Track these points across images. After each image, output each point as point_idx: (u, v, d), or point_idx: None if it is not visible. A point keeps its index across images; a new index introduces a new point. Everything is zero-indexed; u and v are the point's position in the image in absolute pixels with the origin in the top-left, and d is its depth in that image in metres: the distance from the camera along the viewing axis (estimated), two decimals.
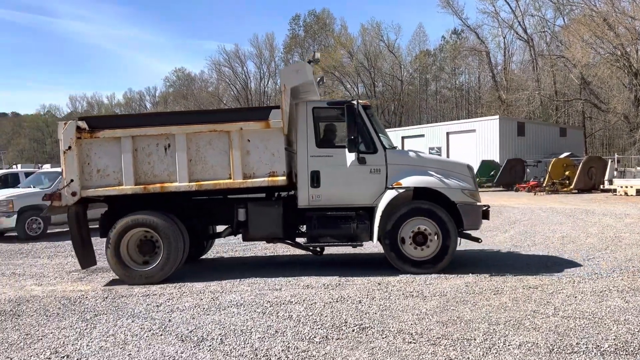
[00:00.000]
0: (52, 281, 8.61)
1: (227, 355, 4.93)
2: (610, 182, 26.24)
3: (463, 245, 10.82)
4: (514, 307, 6.21)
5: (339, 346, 5.07)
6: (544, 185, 27.54)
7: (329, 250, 10.42)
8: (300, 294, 7.11)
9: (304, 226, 8.59)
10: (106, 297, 7.26)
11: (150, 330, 5.71)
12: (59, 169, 11.78)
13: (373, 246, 9.70)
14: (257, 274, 8.50)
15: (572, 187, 26.90)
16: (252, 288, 7.54)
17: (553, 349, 4.83)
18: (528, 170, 32.29)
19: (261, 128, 8.11)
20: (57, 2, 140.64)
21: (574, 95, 48.67)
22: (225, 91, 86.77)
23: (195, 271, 9.00)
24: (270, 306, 6.53)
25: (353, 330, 5.51)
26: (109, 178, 8.16)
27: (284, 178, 8.15)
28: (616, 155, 30.29)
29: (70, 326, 5.98)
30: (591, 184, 27.18)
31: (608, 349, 4.82)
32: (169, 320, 6.09)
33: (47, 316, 6.45)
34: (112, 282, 8.27)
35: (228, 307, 6.57)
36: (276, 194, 8.90)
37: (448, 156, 40.08)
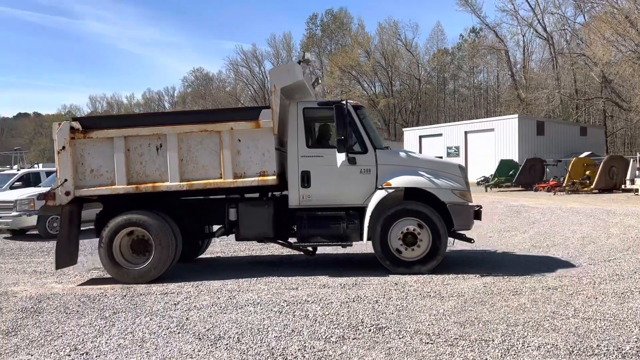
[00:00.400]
0: (72, 279, 8.72)
1: (243, 353, 4.95)
2: (632, 182, 25.76)
3: (480, 246, 10.73)
4: (533, 308, 6.14)
5: (355, 346, 5.06)
6: (564, 185, 27.16)
7: (346, 250, 10.41)
8: (316, 293, 7.11)
9: (296, 226, 8.58)
10: (125, 295, 7.33)
11: (168, 328, 5.75)
12: None
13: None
14: (273, 272, 8.53)
15: (592, 187, 26.49)
16: (268, 287, 7.56)
17: (573, 351, 4.76)
18: (547, 169, 31.90)
19: (251, 128, 8.15)
20: (77, 3, 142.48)
21: (594, 93, 47.96)
22: (242, 91, 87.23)
23: (212, 269, 9.05)
24: (286, 305, 6.54)
25: (370, 330, 5.49)
26: (102, 178, 8.26)
27: (274, 178, 8.17)
28: (638, 155, 29.71)
29: (90, 323, 6.05)
30: (612, 183, 26.74)
31: (629, 351, 4.74)
32: (187, 318, 6.13)
33: (67, 313, 6.54)
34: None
35: (245, 305, 6.60)
36: (269, 194, 8.91)
37: (466, 155, 39.86)
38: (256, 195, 8.88)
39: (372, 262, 8.61)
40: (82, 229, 9.03)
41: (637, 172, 26.46)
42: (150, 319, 6.13)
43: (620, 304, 6.24)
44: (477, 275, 7.94)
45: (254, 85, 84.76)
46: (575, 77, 48.72)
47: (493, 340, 5.09)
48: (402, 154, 8.73)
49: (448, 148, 41.78)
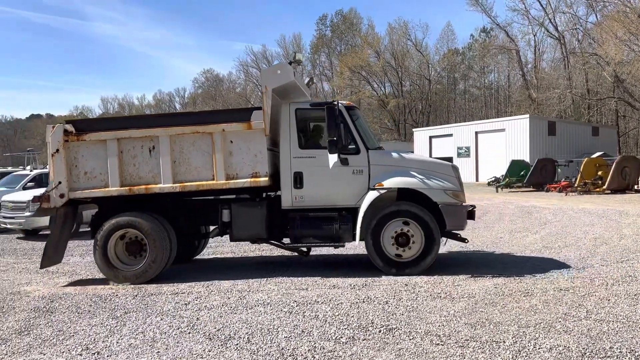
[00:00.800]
0: (84, 279, 8.78)
1: (253, 354, 4.96)
2: None
3: (490, 246, 10.67)
4: (545, 310, 6.09)
5: (365, 347, 5.05)
6: (576, 185, 26.96)
7: (356, 250, 10.41)
8: (326, 293, 7.11)
9: (289, 227, 8.56)
10: (136, 295, 7.37)
11: (178, 328, 5.77)
12: None
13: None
14: (283, 273, 8.53)
15: (604, 187, 26.26)
16: (278, 287, 7.57)
17: (585, 353, 4.72)
18: (559, 170, 31.67)
19: (243, 129, 8.16)
20: (88, 5, 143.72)
21: (607, 93, 47.58)
22: (252, 92, 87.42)
23: (222, 269, 9.07)
24: (296, 306, 6.54)
25: (380, 331, 5.47)
26: (96, 180, 8.31)
27: (267, 179, 8.17)
28: None
29: (101, 323, 6.09)
30: (625, 184, 26.49)
31: None
32: (197, 318, 6.15)
33: (78, 313, 6.58)
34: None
35: (255, 306, 6.61)
36: (263, 194, 8.91)
37: (477, 156, 39.69)
38: (249, 196, 8.88)
39: None
40: (80, 230, 9.09)
41: None
42: (161, 319, 6.16)
43: (633, 306, 6.18)
44: (488, 276, 7.89)
45: (260, 85, 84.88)
46: (587, 76, 48.39)
47: (504, 342, 5.05)
48: (395, 155, 8.69)
49: (459, 148, 41.63)
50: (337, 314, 6.15)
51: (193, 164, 8.26)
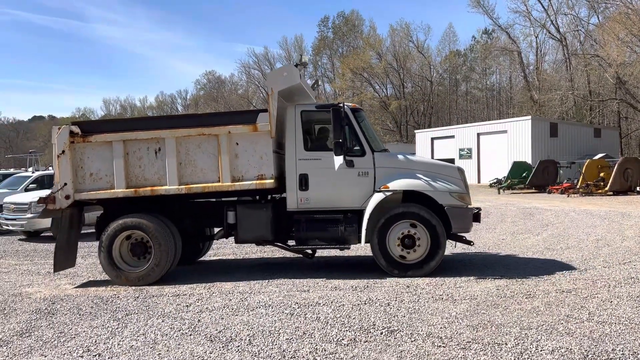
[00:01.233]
0: (86, 281, 8.79)
1: (255, 356, 4.95)
2: None
3: (492, 248, 10.66)
4: (547, 312, 6.08)
5: (367, 349, 5.04)
6: (578, 187, 26.90)
7: (358, 252, 10.40)
8: (328, 295, 7.10)
9: (294, 229, 8.56)
10: (137, 297, 7.37)
11: (179, 330, 5.77)
12: None
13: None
14: (285, 275, 8.53)
15: (607, 189, 26.19)
16: (280, 289, 7.56)
17: (587, 355, 4.70)
18: (561, 171, 31.60)
19: (249, 131, 8.16)
20: (89, 7, 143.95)
21: (608, 95, 47.51)
22: (254, 93, 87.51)
23: (224, 271, 9.07)
24: (298, 307, 6.53)
25: (381, 333, 5.46)
26: (102, 181, 8.32)
27: (272, 181, 8.17)
28: None
29: (102, 325, 6.09)
30: (627, 185, 26.43)
31: None
32: (199, 320, 6.14)
33: (80, 315, 6.59)
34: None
35: (256, 308, 6.60)
36: (269, 196, 8.91)
37: (479, 157, 39.65)
38: (255, 198, 8.89)
39: None
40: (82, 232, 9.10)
41: None
42: (162, 321, 6.16)
43: (635, 308, 6.16)
44: (490, 278, 7.88)
45: (266, 87, 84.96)
46: (589, 78, 48.30)
47: (506, 344, 5.04)
48: (400, 157, 8.69)
49: (460, 150, 41.59)
50: (338, 315, 6.14)
51: (199, 165, 8.27)
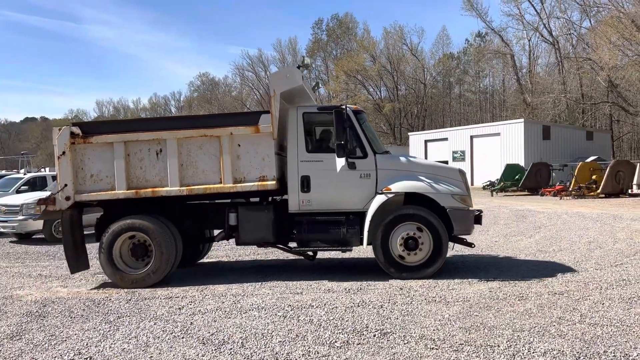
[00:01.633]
0: (77, 283, 8.74)
1: (247, 359, 4.93)
2: (639, 187, 25.65)
3: (485, 250, 10.68)
4: (539, 314, 6.10)
5: (359, 351, 5.04)
6: (570, 189, 27.04)
7: (351, 255, 10.39)
8: (321, 298, 7.09)
9: (295, 231, 8.55)
10: (129, 300, 7.34)
11: (172, 333, 5.74)
12: None
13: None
14: (278, 277, 8.51)
15: (599, 191, 26.35)
16: (273, 291, 7.55)
17: (579, 357, 4.72)
18: (554, 174, 31.76)
19: (251, 133, 8.14)
20: (82, 8, 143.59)
21: (601, 98, 47.80)
22: (248, 95, 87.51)
23: (217, 273, 9.04)
24: (291, 310, 6.52)
25: (374, 336, 5.46)
26: (102, 183, 8.27)
27: (274, 183, 8.16)
28: None
29: (94, 328, 6.05)
30: (619, 188, 26.59)
31: (637, 357, 4.70)
32: (191, 323, 6.12)
33: (71, 317, 6.54)
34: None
35: (249, 310, 6.58)
36: (270, 198, 8.90)
37: (472, 160, 39.78)
38: (256, 199, 8.87)
39: (377, 267, 8.57)
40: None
41: None
42: (155, 324, 6.13)
43: (627, 310, 6.19)
44: (483, 280, 7.90)
45: (260, 90, 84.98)
46: (581, 81, 48.58)
47: (499, 346, 5.05)
48: (402, 159, 8.71)
49: (454, 152, 41.72)
50: (331, 318, 6.13)
51: (200, 167, 8.24)
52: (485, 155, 38.74)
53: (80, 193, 8.27)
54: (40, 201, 8.50)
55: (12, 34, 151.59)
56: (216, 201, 8.92)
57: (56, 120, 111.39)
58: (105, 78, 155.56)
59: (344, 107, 8.30)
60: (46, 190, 15.93)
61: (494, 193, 30.51)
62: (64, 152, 8.19)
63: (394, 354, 4.95)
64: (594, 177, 27.25)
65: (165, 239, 8.13)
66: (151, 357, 5.05)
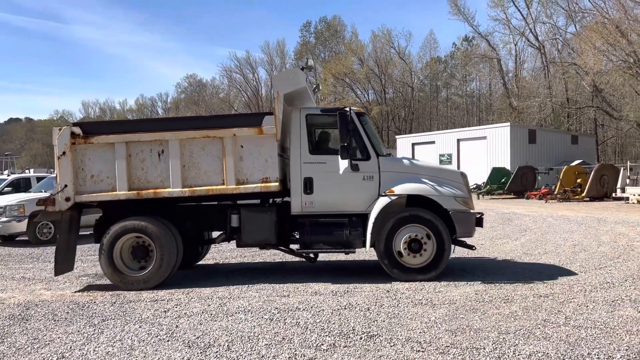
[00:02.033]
0: (61, 285, 8.64)
1: None
2: (623, 190, 25.98)
3: (471, 252, 10.72)
4: (525, 316, 6.13)
5: (346, 354, 5.03)
6: (556, 193, 27.30)
7: (339, 257, 10.39)
8: (308, 300, 7.08)
9: (298, 232, 8.55)
10: (114, 302, 7.27)
11: (157, 336, 5.70)
12: None
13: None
14: (265, 279, 8.49)
15: (584, 195, 26.63)
16: (260, 294, 7.52)
17: (564, 359, 4.75)
18: (539, 177, 32.06)
19: (254, 134, 8.12)
20: (67, 8, 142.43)
21: (585, 102, 48.31)
22: (236, 97, 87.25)
23: (203, 276, 8.99)
24: (277, 313, 6.50)
25: (361, 338, 5.46)
26: (103, 183, 8.19)
27: (277, 184, 8.14)
28: (629, 163, 30.01)
29: (78, 331, 5.98)
30: (603, 192, 26.91)
31: (620, 359, 4.74)
32: (176, 326, 6.07)
33: (55, 321, 6.46)
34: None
35: (235, 313, 6.55)
36: (271, 200, 8.89)
37: (459, 163, 39.97)
38: (256, 201, 8.84)
39: (365, 269, 8.61)
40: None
41: (627, 181, 26.69)
42: (140, 327, 6.07)
43: (611, 312, 6.25)
44: (469, 283, 7.93)
45: (247, 91, 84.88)
46: (567, 86, 49.08)
47: (484, 348, 5.07)
48: (405, 161, 8.75)
49: (441, 155, 41.89)
50: (318, 320, 6.12)
51: (203, 168, 8.18)
52: (472, 159, 38.94)
53: (81, 194, 8.18)
54: (40, 202, 8.41)
55: None
56: (218, 202, 8.87)
57: (41, 121, 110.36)
58: (91, 79, 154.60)
59: (347, 109, 8.32)
60: (30, 192, 15.77)
61: (481, 196, 30.71)
62: (64, 153, 8.09)
63: (381, 356, 4.95)
64: (578, 180, 27.55)
65: (167, 240, 8.06)
66: None
